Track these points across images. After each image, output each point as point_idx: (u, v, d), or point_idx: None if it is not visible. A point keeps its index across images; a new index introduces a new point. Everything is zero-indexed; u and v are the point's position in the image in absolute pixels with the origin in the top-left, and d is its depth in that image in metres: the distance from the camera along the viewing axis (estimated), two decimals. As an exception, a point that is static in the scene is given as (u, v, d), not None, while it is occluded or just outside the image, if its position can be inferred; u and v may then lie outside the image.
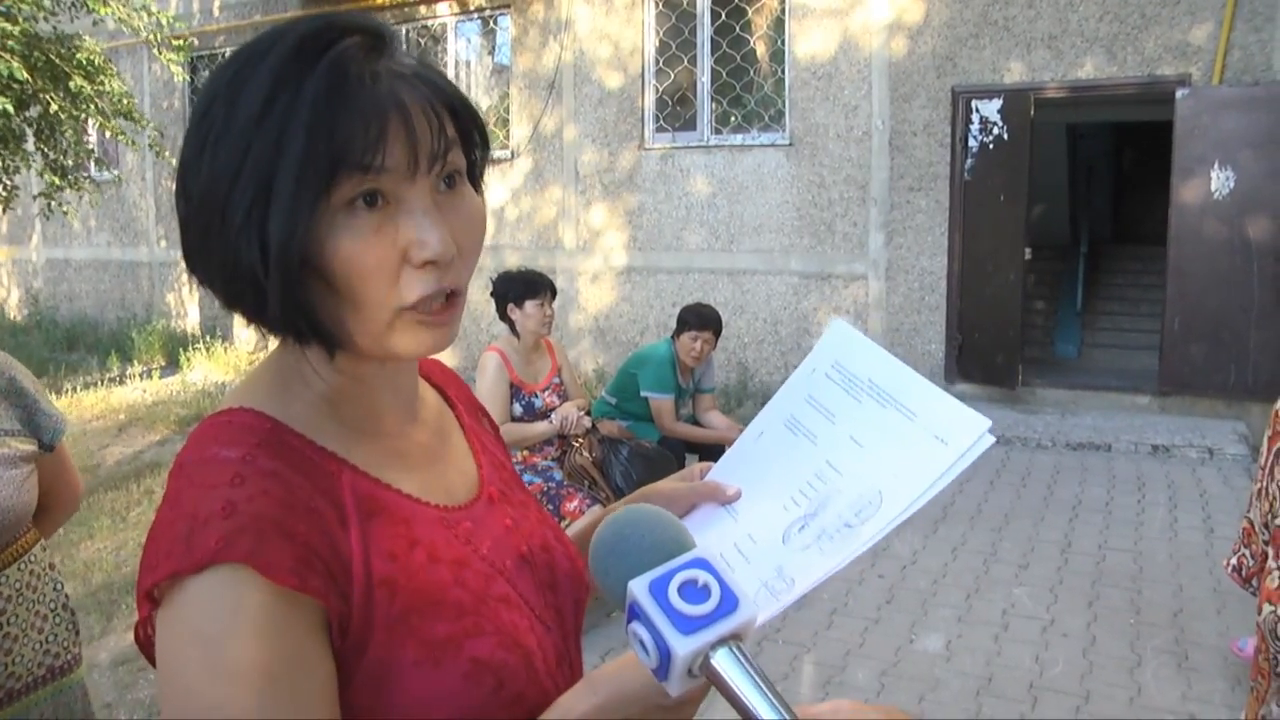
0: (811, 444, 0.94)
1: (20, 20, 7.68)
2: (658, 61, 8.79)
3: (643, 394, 4.85)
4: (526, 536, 0.88)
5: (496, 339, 4.18)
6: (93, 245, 12.46)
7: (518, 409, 4.04)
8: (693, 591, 0.65)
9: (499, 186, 9.44)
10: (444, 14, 9.76)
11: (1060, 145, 11.78)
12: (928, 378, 0.91)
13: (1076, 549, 4.83)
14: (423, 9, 9.79)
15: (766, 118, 8.50)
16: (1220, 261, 6.95)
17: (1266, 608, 2.38)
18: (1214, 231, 6.95)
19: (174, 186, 0.75)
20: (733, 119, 8.63)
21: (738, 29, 8.47)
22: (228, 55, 0.73)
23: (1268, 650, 2.39)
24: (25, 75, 7.39)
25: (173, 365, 10.37)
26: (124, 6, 8.22)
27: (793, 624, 3.98)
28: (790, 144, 8.26)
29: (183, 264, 0.76)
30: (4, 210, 9.09)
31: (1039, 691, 3.45)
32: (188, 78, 9.83)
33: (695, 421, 5.08)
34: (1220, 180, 6.88)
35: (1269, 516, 2.60)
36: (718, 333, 4.88)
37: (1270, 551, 2.49)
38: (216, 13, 11.08)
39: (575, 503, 3.98)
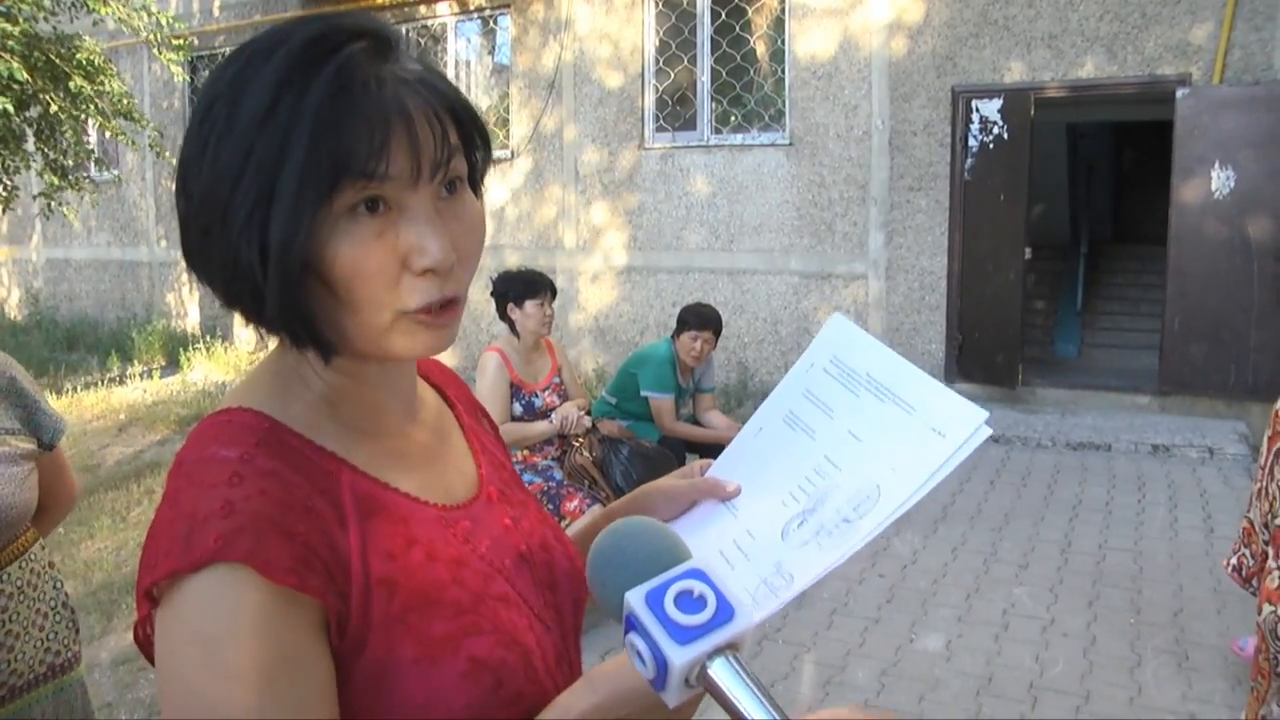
0: (810, 439, 0.94)
1: (20, 20, 7.69)
2: (658, 61, 8.79)
3: (643, 394, 4.85)
4: (526, 536, 0.88)
5: (496, 339, 4.18)
6: (93, 245, 12.47)
7: (518, 408, 4.03)
8: (689, 602, 0.65)
9: (499, 186, 9.44)
10: (444, 14, 9.76)
11: (1060, 145, 11.78)
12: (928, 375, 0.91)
13: (1077, 549, 4.83)
14: (423, 9, 9.79)
15: (766, 117, 8.50)
16: (1220, 261, 6.94)
17: (1266, 608, 2.38)
18: (1214, 231, 6.94)
19: (174, 185, 0.75)
20: (733, 119, 8.63)
21: (738, 28, 8.47)
22: (229, 54, 0.73)
23: (1268, 650, 2.39)
24: (25, 75, 7.40)
25: (173, 365, 10.37)
26: (124, 6, 8.22)
27: (793, 623, 3.98)
28: (790, 144, 8.26)
29: (183, 264, 0.76)
30: (4, 210, 9.10)
31: (1039, 691, 3.45)
32: (187, 78, 9.83)
33: (695, 421, 5.08)
34: (1220, 180, 6.88)
35: (1269, 516, 2.60)
36: (718, 332, 4.88)
37: (1270, 551, 2.49)
38: (216, 13, 11.08)
39: (575, 502, 3.98)
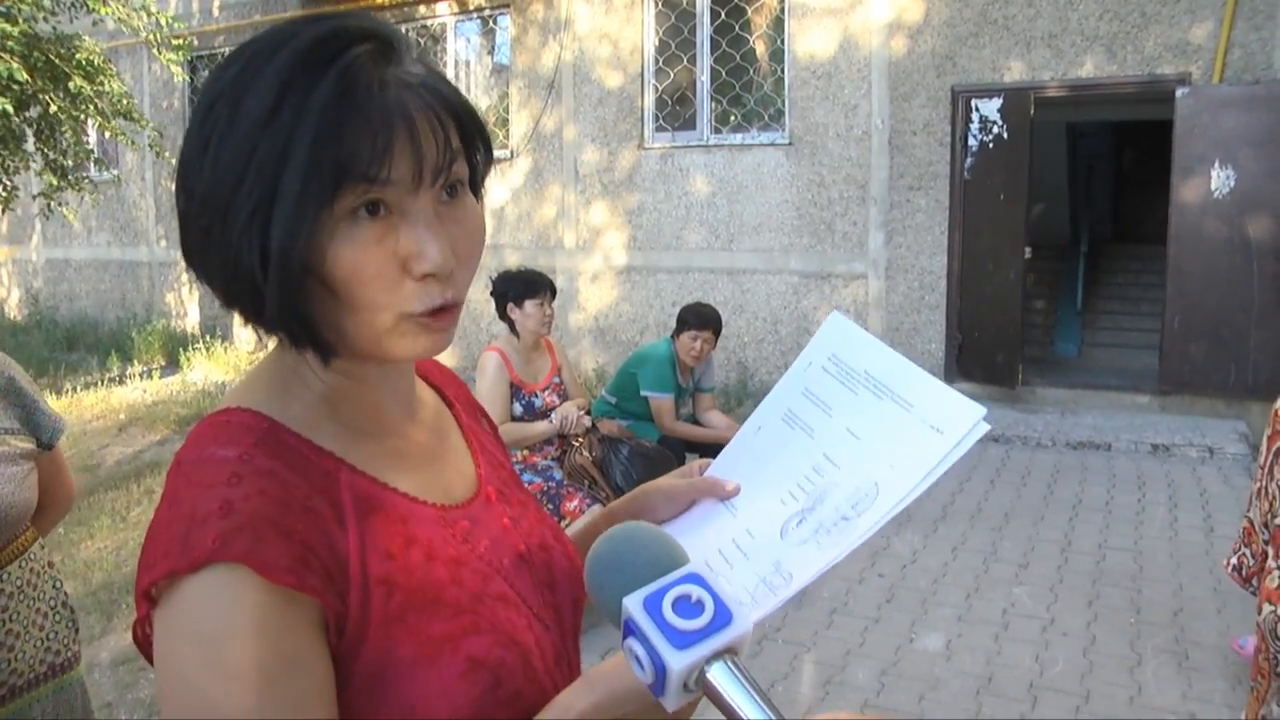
0: (809, 437, 0.94)
1: (20, 21, 7.68)
2: (657, 61, 8.79)
3: (643, 393, 4.85)
4: (525, 535, 0.88)
5: (496, 338, 4.18)
6: (93, 245, 12.47)
7: (518, 408, 4.03)
8: (687, 606, 0.65)
9: (499, 186, 9.44)
10: (443, 14, 9.76)
11: (1060, 144, 11.78)
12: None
13: (1077, 548, 4.83)
14: (422, 9, 9.79)
15: (766, 117, 8.50)
16: (1220, 260, 6.94)
17: (1266, 607, 2.38)
18: (1214, 230, 6.95)
19: (174, 185, 0.75)
20: (732, 118, 8.63)
21: (737, 28, 8.47)
22: (230, 53, 0.73)
23: (1268, 650, 2.39)
24: (25, 76, 7.40)
25: (173, 365, 10.37)
26: (123, 6, 8.22)
27: (793, 623, 3.98)
28: (790, 143, 8.26)
29: (182, 264, 0.76)
30: (4, 210, 9.10)
31: (1039, 691, 3.45)
32: (187, 78, 9.83)
33: (695, 421, 5.08)
34: (1220, 179, 6.88)
35: (1269, 516, 2.60)
36: (717, 332, 4.88)
37: (1270, 551, 2.49)
38: (216, 13, 11.08)
39: (575, 502, 3.98)
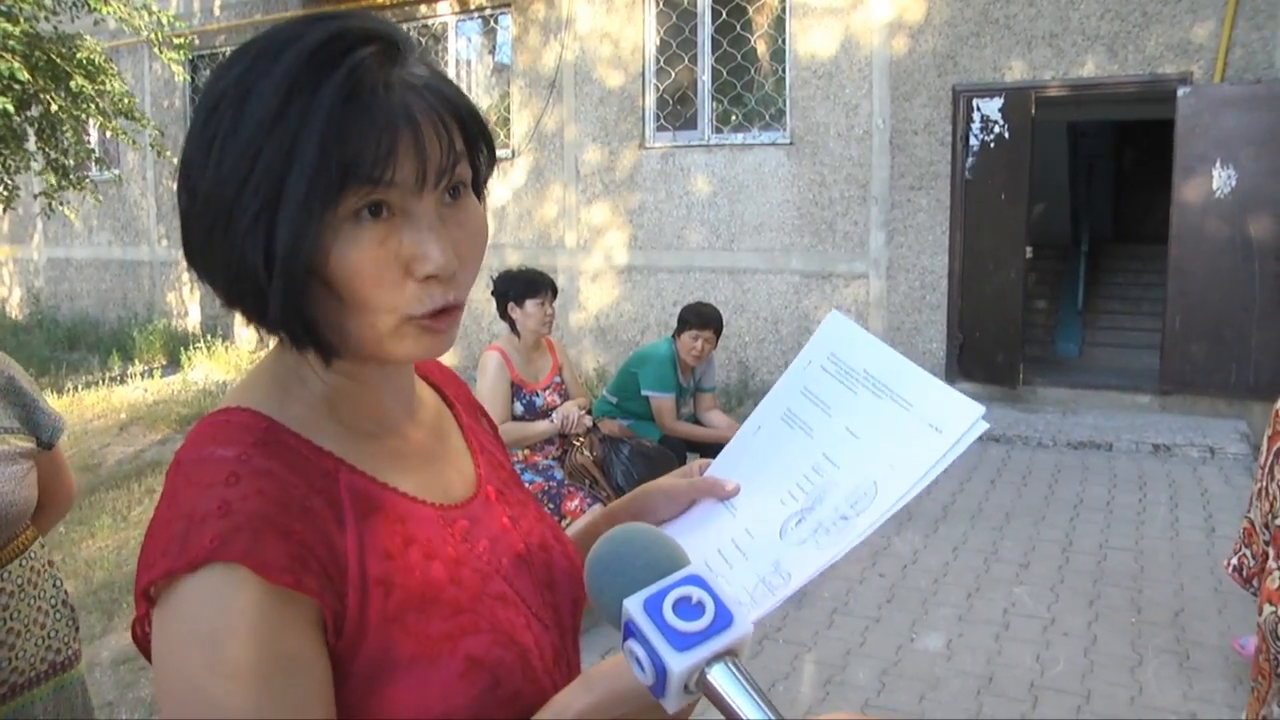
0: (808, 437, 0.94)
1: (21, 20, 7.68)
2: (658, 60, 8.79)
3: (644, 393, 4.85)
4: (524, 535, 0.88)
5: (497, 338, 4.18)
6: (94, 244, 12.47)
7: (519, 408, 4.03)
8: (687, 608, 0.65)
9: (500, 185, 9.44)
10: (445, 13, 9.76)
11: (1061, 144, 11.77)
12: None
13: (1077, 548, 4.83)
14: (423, 8, 9.79)
15: (767, 116, 8.50)
16: (1221, 260, 6.94)
17: (1267, 608, 2.38)
18: (1215, 230, 6.94)
19: (176, 184, 0.75)
20: (733, 118, 8.63)
21: (738, 28, 8.47)
22: (233, 53, 0.73)
23: (1268, 651, 2.38)
24: (26, 75, 7.40)
25: (174, 364, 10.38)
26: (125, 6, 8.22)
27: (793, 623, 3.98)
28: (791, 143, 8.25)
29: (183, 263, 0.75)
30: (5, 210, 9.10)
31: (1040, 690, 3.45)
32: (188, 77, 9.83)
33: (696, 420, 5.08)
34: (1222, 179, 6.87)
35: (1269, 516, 2.60)
36: (718, 332, 4.88)
37: (1271, 552, 2.49)
38: (217, 12, 11.08)
39: (576, 502, 3.98)
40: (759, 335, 8.57)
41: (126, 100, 8.42)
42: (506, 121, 9.55)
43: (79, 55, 7.93)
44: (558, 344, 4.37)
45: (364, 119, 0.67)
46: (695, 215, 8.71)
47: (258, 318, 0.73)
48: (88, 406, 8.38)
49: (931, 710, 3.34)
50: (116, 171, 11.67)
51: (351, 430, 0.79)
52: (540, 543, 0.89)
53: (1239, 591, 3.73)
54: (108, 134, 8.60)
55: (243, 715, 0.64)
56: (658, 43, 8.79)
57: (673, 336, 4.91)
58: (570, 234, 9.29)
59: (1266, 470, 2.68)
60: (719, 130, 8.66)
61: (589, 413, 4.27)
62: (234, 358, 10.19)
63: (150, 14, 8.39)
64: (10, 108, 7.46)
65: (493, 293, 4.13)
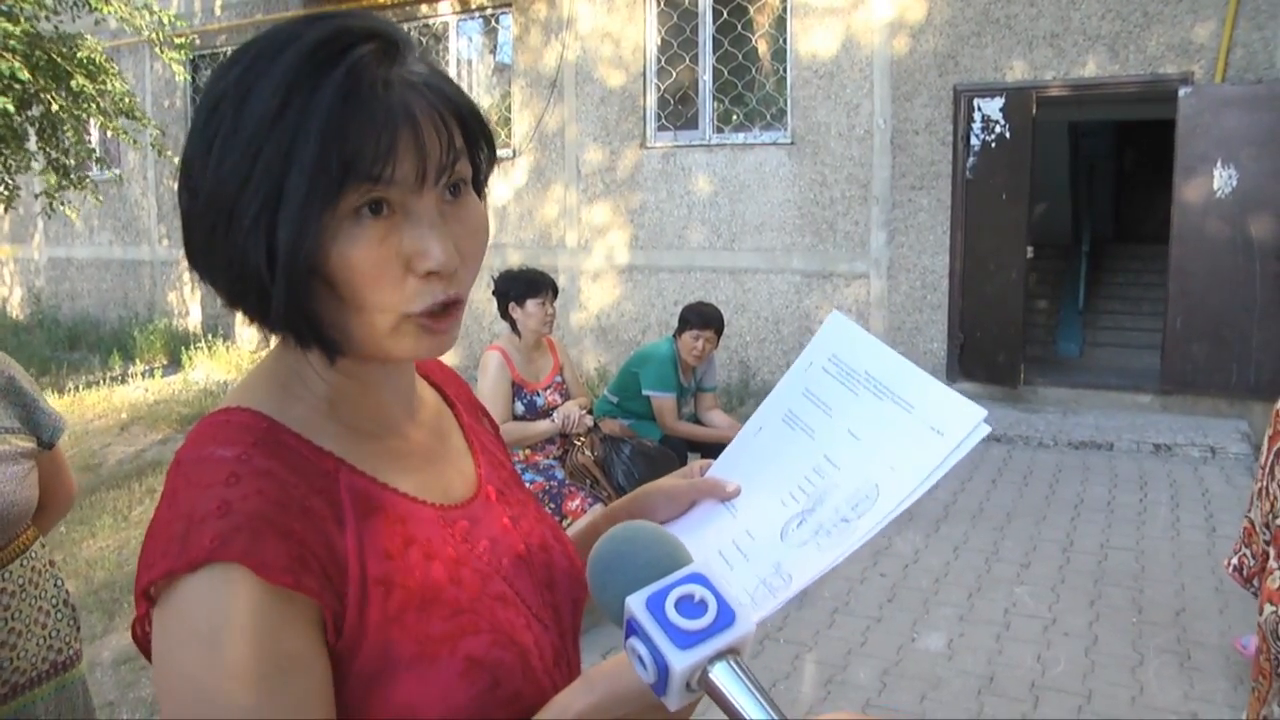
0: (809, 438, 0.94)
1: (22, 20, 7.68)
2: (659, 60, 8.79)
3: (645, 393, 4.85)
4: (525, 535, 0.88)
5: (498, 338, 4.18)
6: (95, 244, 12.48)
7: (520, 407, 4.03)
8: (689, 606, 0.65)
9: (501, 185, 9.44)
10: (446, 12, 9.76)
11: (1062, 144, 11.77)
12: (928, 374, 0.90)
13: (1078, 548, 4.83)
14: (425, 7, 9.79)
15: (768, 116, 8.50)
16: (1222, 260, 6.94)
17: (1268, 608, 2.38)
18: (1216, 230, 6.94)
19: (176, 184, 0.75)
20: (734, 117, 8.63)
21: (739, 27, 8.47)
22: (233, 52, 0.73)
23: (1269, 651, 2.38)
24: (27, 75, 7.40)
25: (175, 364, 10.38)
26: (126, 5, 8.22)
27: (794, 623, 3.98)
28: (792, 142, 8.25)
29: (184, 263, 0.75)
30: (6, 209, 9.10)
31: (1041, 690, 3.45)
32: (189, 77, 9.83)
33: (697, 420, 5.08)
34: (1222, 179, 6.87)
35: (1269, 516, 2.60)
36: (719, 331, 4.87)
37: (1271, 552, 2.49)
38: (218, 12, 11.09)
39: (577, 501, 3.98)
40: (760, 335, 8.57)
41: (127, 100, 8.42)
42: (508, 121, 9.55)
43: (80, 55, 7.93)
44: (559, 344, 4.37)
45: (363, 116, 0.67)
46: (696, 215, 8.71)
47: (260, 317, 0.73)
48: (88, 406, 8.38)
49: (932, 710, 3.34)
50: (117, 171, 11.68)
51: (352, 430, 0.79)
52: (540, 543, 0.89)
53: (1240, 591, 3.73)
54: (108, 133, 8.61)
55: (242, 715, 0.64)
56: (659, 42, 8.79)
57: (674, 336, 4.91)
58: (571, 234, 9.29)
59: (1267, 470, 2.68)
60: (720, 130, 8.66)
61: (590, 412, 4.28)
62: (235, 357, 10.19)
63: (151, 14, 8.39)
64: (11, 107, 7.46)
65: (494, 292, 4.13)
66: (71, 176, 8.70)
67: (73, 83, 7.79)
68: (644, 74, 8.79)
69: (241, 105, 0.68)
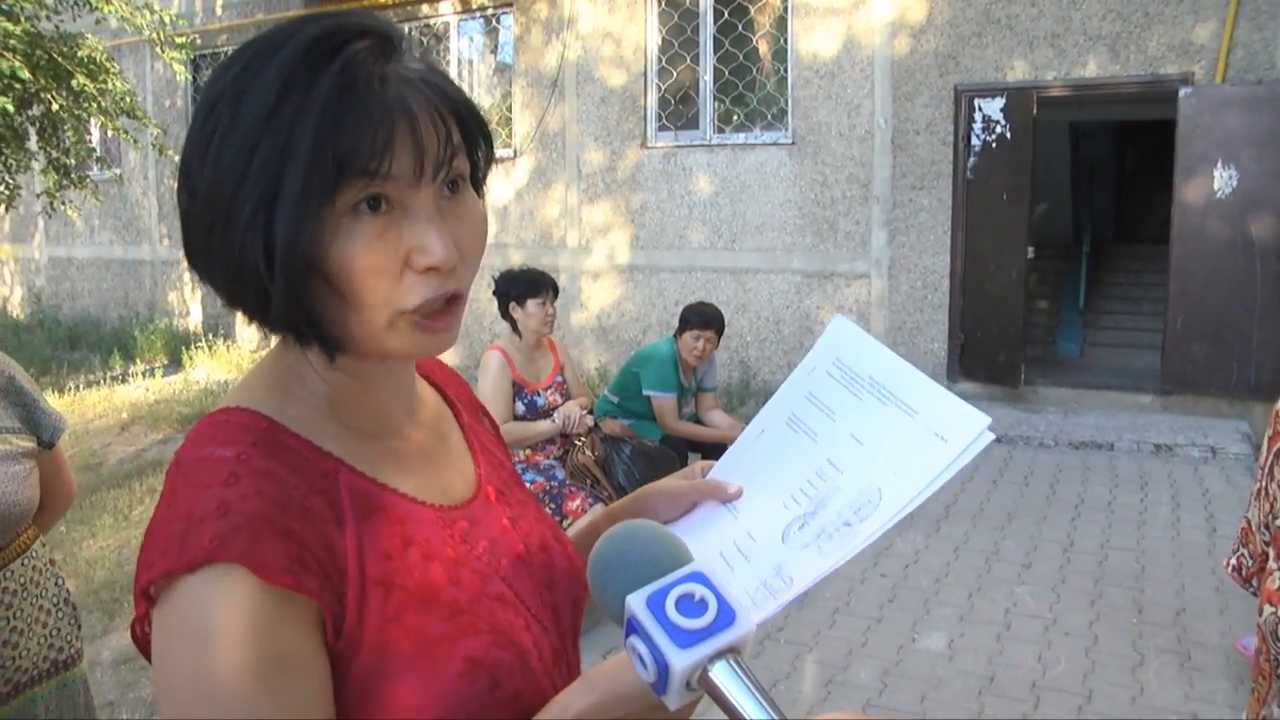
0: (812, 442, 0.94)
1: (22, 19, 7.68)
2: (660, 60, 8.79)
3: (645, 393, 4.85)
4: (524, 535, 0.88)
5: (499, 338, 4.18)
6: (95, 244, 12.48)
7: (520, 407, 4.04)
8: (690, 605, 0.65)
9: (502, 185, 9.44)
10: (447, 12, 9.76)
11: (1063, 144, 11.76)
12: (930, 376, 0.90)
13: (1079, 548, 4.83)
14: (425, 7, 9.80)
15: (769, 116, 8.50)
16: (1223, 260, 6.94)
17: (1267, 609, 2.38)
18: (1216, 230, 6.94)
19: (176, 184, 0.75)
20: (735, 117, 8.63)
21: (740, 27, 8.47)
22: (232, 52, 0.73)
23: (1268, 651, 2.38)
24: (27, 74, 7.40)
25: (175, 364, 10.38)
26: (127, 5, 8.22)
27: (795, 623, 3.98)
28: (793, 143, 8.25)
29: (185, 263, 0.75)
30: (6, 209, 9.10)
31: (1041, 690, 3.45)
32: (190, 76, 9.83)
33: (698, 420, 5.08)
34: (1223, 179, 6.87)
35: (1269, 517, 2.60)
36: (720, 331, 4.87)
37: (1271, 552, 2.49)
38: (219, 11, 11.09)
39: (578, 501, 3.98)
40: (760, 335, 8.57)
41: (128, 99, 8.42)
42: (509, 121, 9.55)
43: (80, 54, 7.93)
44: (559, 343, 4.37)
45: (359, 112, 0.67)
46: (697, 215, 8.71)
47: (259, 316, 0.73)
48: (89, 406, 8.38)
49: (933, 710, 3.34)
50: (118, 171, 11.68)
51: (351, 430, 0.79)
52: (540, 543, 0.89)
53: (1240, 592, 3.72)
54: (109, 133, 8.60)
55: (242, 715, 0.64)
56: (660, 42, 8.79)
57: (674, 336, 4.91)
58: (572, 233, 9.29)
59: (1266, 470, 2.67)
60: (721, 130, 8.66)
61: (590, 412, 4.28)
62: (235, 357, 10.19)
63: (152, 13, 8.38)
64: (11, 107, 7.46)
65: (494, 292, 4.13)
66: (72, 176, 8.70)
67: (73, 82, 7.79)
68: (645, 74, 8.79)
69: (238, 104, 0.68)
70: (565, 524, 3.82)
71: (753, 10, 8.42)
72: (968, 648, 3.79)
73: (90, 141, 9.22)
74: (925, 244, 7.85)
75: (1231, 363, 6.98)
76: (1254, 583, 2.89)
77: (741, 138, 8.56)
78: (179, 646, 0.65)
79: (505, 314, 4.09)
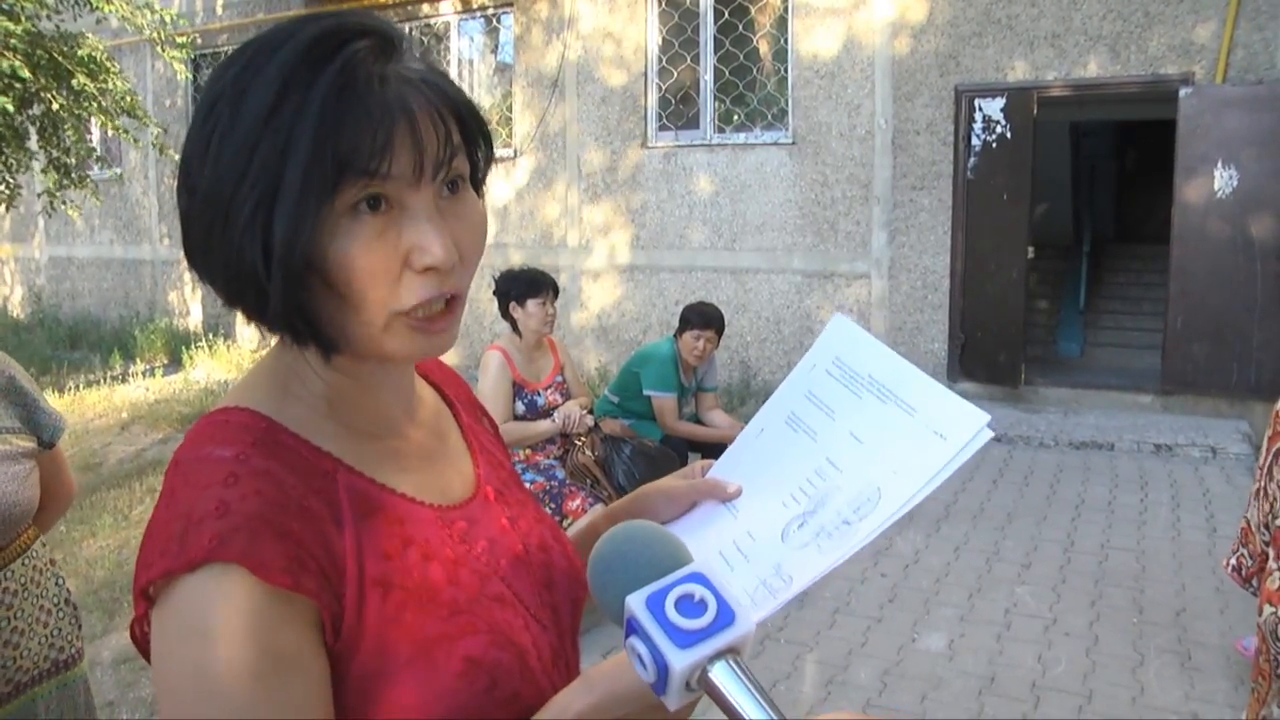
0: (811, 441, 0.94)
1: (23, 19, 7.68)
2: (661, 60, 8.79)
3: (645, 392, 4.85)
4: (523, 535, 0.88)
5: (499, 337, 4.18)
6: (96, 243, 12.48)
7: (520, 407, 4.03)
8: (689, 606, 0.65)
9: (502, 185, 9.44)
10: (447, 12, 9.76)
11: (1063, 144, 11.76)
12: (930, 376, 0.90)
13: (1079, 548, 4.83)
14: (426, 7, 9.80)
15: (769, 116, 8.50)
16: (1223, 260, 6.94)
17: (1267, 609, 2.38)
18: (1217, 230, 6.94)
19: (176, 184, 0.75)
20: (736, 117, 8.63)
21: (741, 27, 8.47)
22: (232, 52, 0.73)
23: (1268, 651, 2.38)
24: (27, 74, 7.40)
25: (175, 363, 10.38)
26: (127, 4, 8.22)
27: (795, 623, 3.98)
28: (793, 142, 8.25)
29: (185, 262, 0.75)
30: (7, 208, 9.10)
31: (1041, 691, 3.45)
32: (190, 76, 9.83)
33: (698, 420, 5.08)
34: (1223, 179, 6.87)
35: (1269, 517, 2.59)
36: (720, 331, 4.87)
37: (1270, 552, 2.49)
38: (219, 11, 11.09)
39: (578, 501, 3.98)
40: (761, 335, 8.57)
41: (129, 98, 8.41)
42: (509, 121, 9.55)
43: (81, 53, 7.92)
44: (559, 343, 4.37)
45: (359, 111, 0.67)
46: (697, 215, 8.71)
47: (258, 316, 0.73)
48: (89, 405, 8.38)
49: (933, 710, 3.34)
50: (118, 170, 11.68)
51: (350, 430, 0.79)
52: (539, 543, 0.89)
53: (1240, 592, 3.72)
54: (109, 132, 8.60)
55: (241, 714, 0.64)
56: (660, 42, 8.79)
57: (674, 336, 4.91)
58: (572, 233, 9.29)
59: (1266, 470, 2.67)
60: (721, 130, 8.66)
61: (590, 412, 4.28)
62: (236, 357, 10.19)
63: (153, 13, 8.38)
64: (11, 106, 7.45)
65: (494, 292, 4.13)
66: (72, 175, 8.69)
67: (74, 81, 7.79)
68: (645, 74, 8.79)
69: (238, 103, 0.68)
70: (565, 524, 3.82)
71: (753, 10, 8.42)
72: (968, 648, 3.79)
73: (90, 141, 9.22)
74: (925, 244, 7.85)
75: (1232, 363, 6.98)
76: (1254, 583, 2.89)
77: (742, 138, 8.56)
78: (178, 646, 0.65)
79: (505, 314, 4.09)
